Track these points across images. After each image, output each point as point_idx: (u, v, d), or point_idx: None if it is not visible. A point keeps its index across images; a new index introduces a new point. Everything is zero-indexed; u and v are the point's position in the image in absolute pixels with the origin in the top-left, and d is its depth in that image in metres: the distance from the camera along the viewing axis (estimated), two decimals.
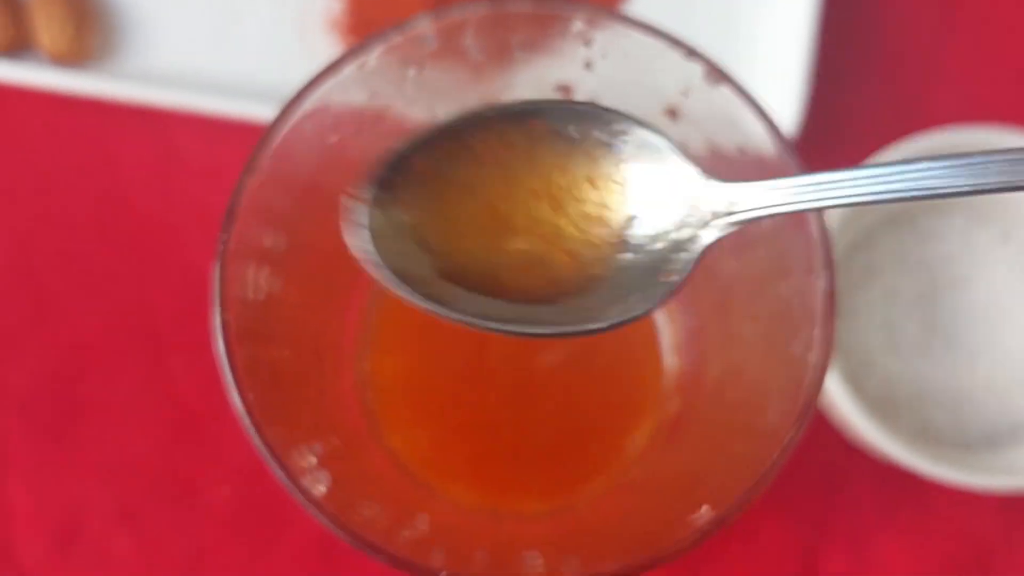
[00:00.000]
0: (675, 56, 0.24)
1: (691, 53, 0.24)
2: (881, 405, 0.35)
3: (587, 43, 0.25)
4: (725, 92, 0.24)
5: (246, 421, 0.21)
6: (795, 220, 0.24)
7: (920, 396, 0.36)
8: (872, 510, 0.36)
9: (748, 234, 0.27)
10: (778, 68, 0.37)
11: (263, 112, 0.36)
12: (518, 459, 0.34)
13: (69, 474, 0.35)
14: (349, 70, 0.23)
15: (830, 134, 0.39)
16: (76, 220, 0.37)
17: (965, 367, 0.36)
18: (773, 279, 0.25)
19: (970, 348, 0.36)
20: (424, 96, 0.26)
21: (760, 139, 0.24)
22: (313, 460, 0.23)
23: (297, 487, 0.21)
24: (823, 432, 0.36)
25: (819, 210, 0.22)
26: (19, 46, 0.36)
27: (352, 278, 0.31)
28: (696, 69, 0.24)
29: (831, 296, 0.23)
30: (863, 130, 0.39)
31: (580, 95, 0.26)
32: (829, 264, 0.23)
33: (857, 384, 0.35)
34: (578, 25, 0.24)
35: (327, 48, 0.38)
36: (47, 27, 0.36)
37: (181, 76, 0.38)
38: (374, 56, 0.23)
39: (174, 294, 0.36)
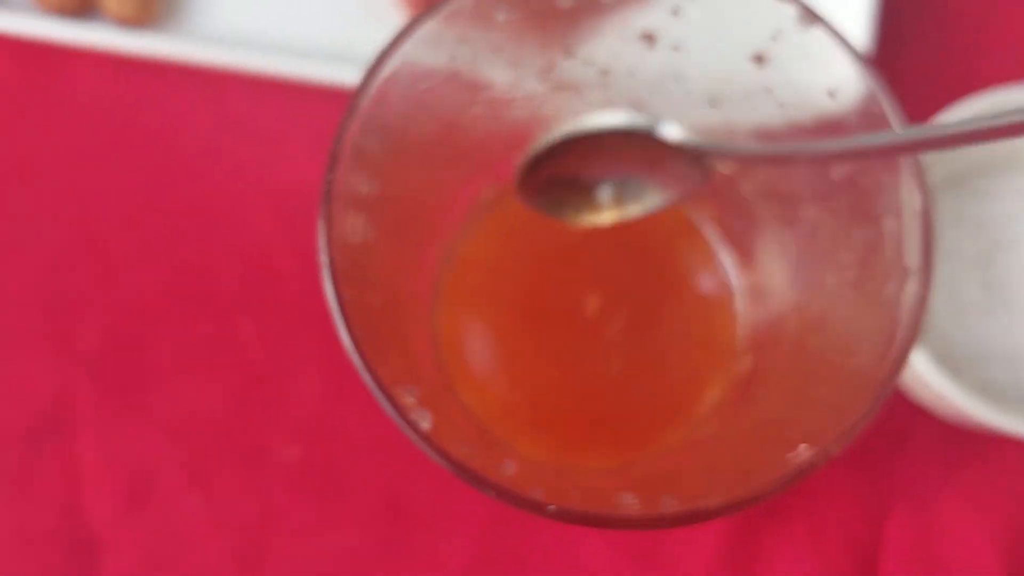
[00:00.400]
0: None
1: None
2: (942, 364, 0.35)
3: None
4: (818, 35, 0.24)
5: (355, 355, 0.21)
6: (883, 163, 0.24)
7: (981, 355, 0.36)
8: (936, 470, 0.36)
9: (829, 181, 0.27)
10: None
11: (328, 74, 0.36)
12: (584, 417, 0.34)
13: (139, 435, 0.35)
14: (449, 9, 0.23)
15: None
16: (139, 184, 0.37)
17: None
18: (859, 224, 0.26)
19: None
20: (510, 45, 0.26)
21: (852, 81, 0.24)
22: (412, 400, 0.23)
23: (406, 421, 0.21)
24: None
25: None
26: (85, 10, 0.36)
27: (427, 235, 0.32)
28: (789, 11, 0.24)
29: (928, 231, 0.23)
30: (918, 93, 0.39)
31: (664, 43, 0.26)
32: (925, 201, 0.23)
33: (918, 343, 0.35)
34: None
35: (389, 11, 0.38)
36: None
37: (245, 44, 0.38)
38: None
39: (238, 256, 0.36)
